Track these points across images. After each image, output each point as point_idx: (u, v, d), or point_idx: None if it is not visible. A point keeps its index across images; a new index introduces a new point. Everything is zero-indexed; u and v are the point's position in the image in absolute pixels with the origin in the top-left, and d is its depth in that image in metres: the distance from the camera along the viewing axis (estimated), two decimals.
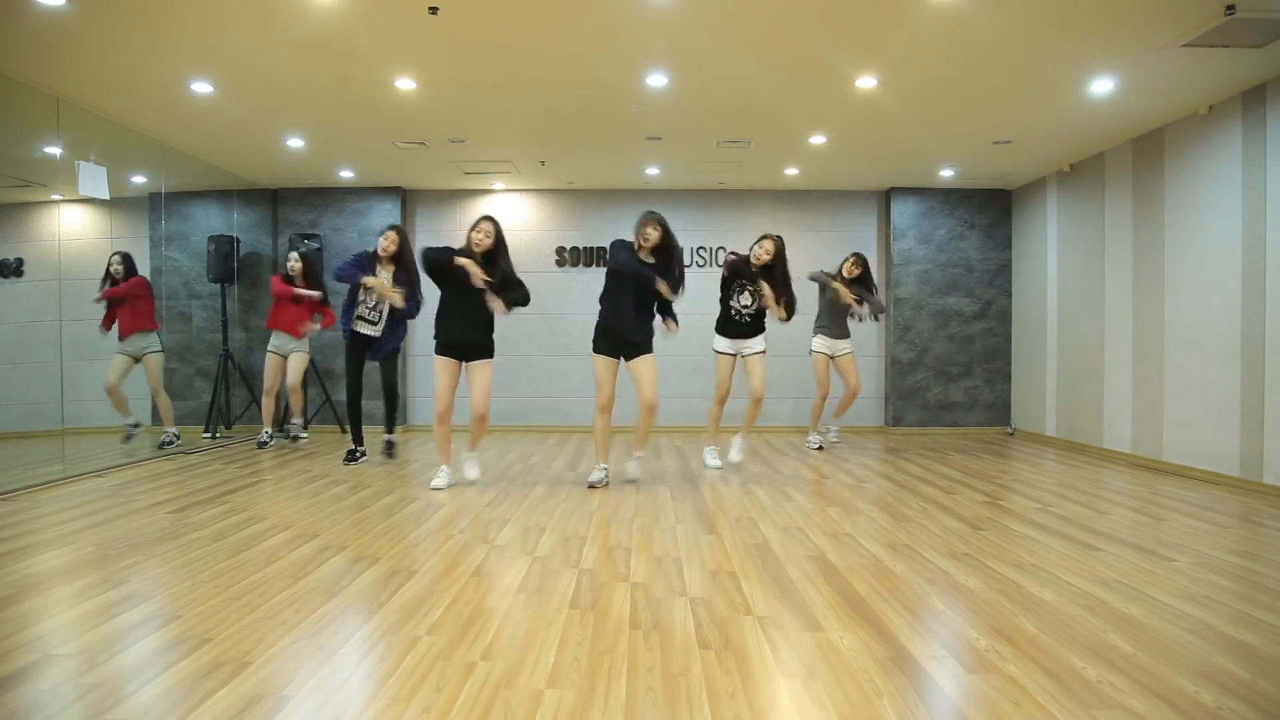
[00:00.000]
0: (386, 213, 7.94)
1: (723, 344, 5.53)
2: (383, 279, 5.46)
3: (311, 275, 6.71)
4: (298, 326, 6.63)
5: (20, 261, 6.74)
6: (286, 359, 6.68)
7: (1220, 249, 5.15)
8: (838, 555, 3.28)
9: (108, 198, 5.64)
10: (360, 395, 5.73)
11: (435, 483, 4.77)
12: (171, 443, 6.48)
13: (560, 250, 8.10)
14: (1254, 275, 4.87)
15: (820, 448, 6.62)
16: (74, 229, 6.91)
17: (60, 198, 6.62)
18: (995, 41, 4.24)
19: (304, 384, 7.57)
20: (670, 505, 4.33)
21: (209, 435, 7.07)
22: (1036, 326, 7.52)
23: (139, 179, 6.93)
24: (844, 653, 2.24)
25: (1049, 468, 5.81)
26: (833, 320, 6.53)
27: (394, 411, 5.92)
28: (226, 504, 4.27)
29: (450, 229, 8.03)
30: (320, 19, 3.99)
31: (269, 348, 6.69)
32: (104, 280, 6.27)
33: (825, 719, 1.86)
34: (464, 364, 4.76)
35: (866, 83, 4.87)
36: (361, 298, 5.54)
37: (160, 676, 2.05)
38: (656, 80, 4.88)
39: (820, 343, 6.55)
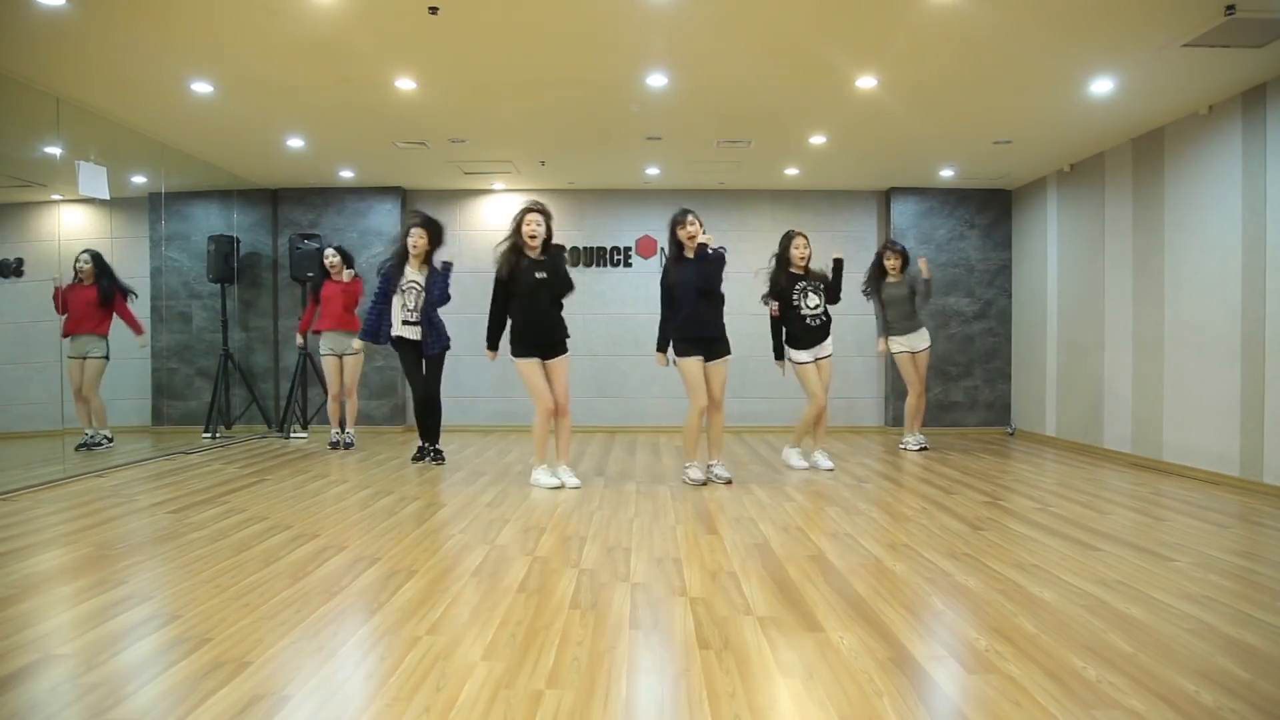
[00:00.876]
0: (386, 213, 7.95)
1: (803, 355, 5.47)
2: (415, 277, 5.53)
3: (350, 264, 6.71)
4: (346, 318, 6.54)
5: (20, 261, 6.74)
6: (341, 359, 6.58)
7: (1220, 249, 5.14)
8: (838, 555, 3.28)
9: (108, 198, 5.64)
10: (427, 398, 5.66)
11: (545, 480, 4.82)
12: (99, 444, 6.18)
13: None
14: (1254, 275, 4.87)
15: (924, 448, 6.57)
16: (74, 229, 6.91)
17: (60, 198, 6.63)
18: (995, 41, 4.24)
19: (303, 384, 7.58)
20: (670, 505, 4.33)
21: (209, 435, 7.08)
22: (1036, 326, 7.52)
23: (139, 179, 6.93)
24: (844, 653, 2.24)
25: (1049, 468, 5.81)
26: (902, 316, 6.51)
27: (435, 424, 5.74)
28: (226, 504, 4.27)
29: (450, 229, 8.00)
30: (320, 19, 3.99)
31: (323, 351, 6.57)
32: (75, 279, 6.11)
33: (825, 719, 1.86)
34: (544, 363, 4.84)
35: (866, 83, 4.87)
36: (399, 303, 5.55)
37: (160, 676, 2.05)
38: (656, 80, 4.88)
39: (898, 343, 6.56)
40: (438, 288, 5.52)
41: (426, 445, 5.80)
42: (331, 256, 6.60)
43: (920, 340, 6.53)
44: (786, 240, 5.52)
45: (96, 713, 1.85)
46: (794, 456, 5.66)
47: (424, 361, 5.59)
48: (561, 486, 4.79)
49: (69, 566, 3.08)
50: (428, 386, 5.62)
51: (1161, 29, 4.04)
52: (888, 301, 6.53)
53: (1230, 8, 3.72)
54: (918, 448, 6.56)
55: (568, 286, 4.86)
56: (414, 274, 5.52)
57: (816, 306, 5.42)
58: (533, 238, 4.73)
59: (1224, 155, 5.13)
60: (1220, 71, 4.61)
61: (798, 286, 5.40)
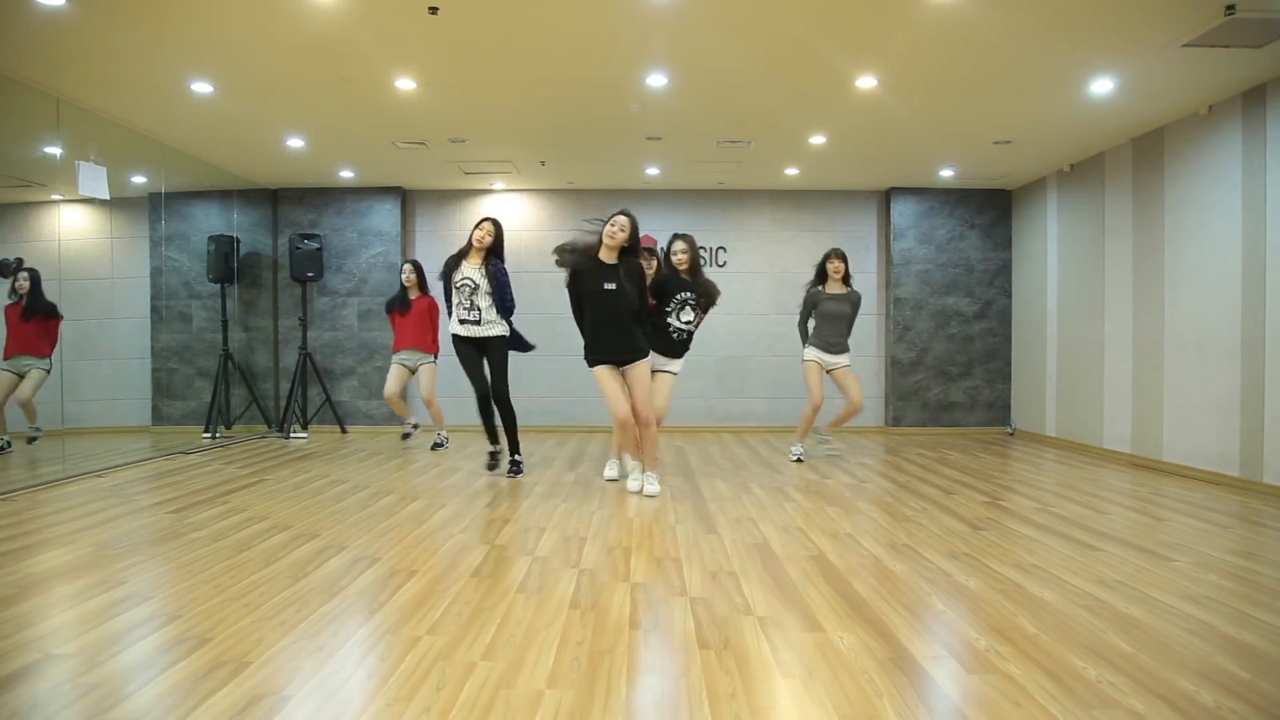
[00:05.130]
0: (387, 213, 7.95)
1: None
2: (470, 273, 5.14)
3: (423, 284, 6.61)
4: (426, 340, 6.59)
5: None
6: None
7: (1220, 249, 5.15)
8: (838, 555, 3.28)
9: (108, 198, 5.64)
10: (488, 396, 5.17)
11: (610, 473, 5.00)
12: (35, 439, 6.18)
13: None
14: (1254, 275, 4.87)
15: (800, 460, 6.00)
16: (74, 229, 6.91)
17: (60, 198, 6.62)
18: (995, 41, 4.24)
19: (303, 384, 7.59)
20: (670, 505, 4.33)
21: (209, 435, 7.07)
22: (1036, 326, 7.52)
23: (139, 179, 6.93)
24: (844, 653, 2.24)
25: (1049, 468, 5.81)
26: (831, 331, 5.86)
27: (511, 425, 5.29)
28: (226, 504, 4.27)
29: (450, 229, 8.03)
30: (320, 19, 3.99)
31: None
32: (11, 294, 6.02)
33: (825, 719, 1.86)
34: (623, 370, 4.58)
35: (866, 83, 4.87)
36: (456, 300, 5.18)
37: (160, 676, 2.05)
38: (656, 80, 4.88)
39: (812, 353, 5.91)
40: (502, 300, 5.20)
41: (498, 449, 5.43)
42: (409, 274, 6.53)
43: (838, 360, 5.91)
44: (671, 245, 5.00)
45: (96, 713, 1.85)
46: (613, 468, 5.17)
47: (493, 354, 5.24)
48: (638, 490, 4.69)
49: (69, 566, 3.08)
50: (494, 382, 5.17)
51: (1161, 29, 4.04)
52: (825, 319, 5.84)
53: (1230, 8, 3.72)
54: (796, 458, 6.02)
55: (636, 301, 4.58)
56: (471, 270, 5.14)
57: (689, 323, 4.88)
58: (479, 243, 4.63)
59: (1224, 155, 5.13)
60: (1220, 71, 4.61)
61: (677, 297, 4.84)
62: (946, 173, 7.34)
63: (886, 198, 8.09)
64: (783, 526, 3.81)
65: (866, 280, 8.13)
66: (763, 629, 2.42)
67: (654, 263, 5.19)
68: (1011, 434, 7.86)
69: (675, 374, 4.98)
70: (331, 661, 2.16)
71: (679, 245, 4.92)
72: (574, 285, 4.56)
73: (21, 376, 6.08)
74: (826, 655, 2.22)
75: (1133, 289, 6.07)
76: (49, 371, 6.14)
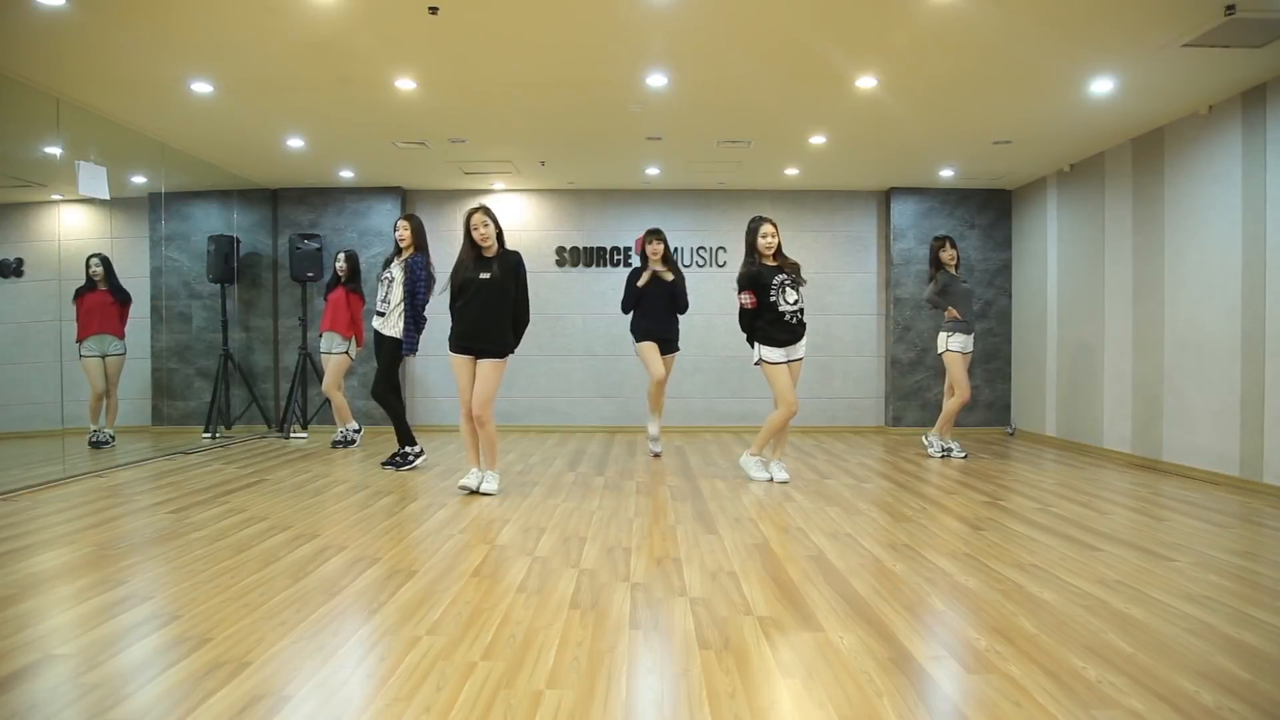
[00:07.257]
0: (387, 213, 7.95)
1: (776, 354, 4.93)
2: (393, 268, 5.42)
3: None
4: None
5: (20, 261, 6.74)
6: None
7: (1220, 249, 5.15)
8: (838, 555, 3.28)
9: (108, 198, 5.64)
10: (395, 393, 5.51)
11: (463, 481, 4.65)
12: (108, 442, 6.45)
13: (560, 250, 8.10)
14: (1254, 275, 4.87)
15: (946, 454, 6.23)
16: (74, 229, 6.91)
17: (60, 198, 6.63)
18: (995, 41, 4.24)
19: (303, 384, 7.59)
20: (670, 505, 4.33)
21: (209, 435, 7.07)
22: (1036, 326, 7.52)
23: (139, 179, 6.93)
24: (844, 653, 2.24)
25: (1049, 468, 5.81)
26: (968, 312, 6.11)
27: (394, 420, 5.51)
28: (226, 504, 4.27)
29: (450, 229, 8.02)
30: (320, 19, 3.98)
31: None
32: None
33: (825, 719, 1.86)
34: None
35: (866, 83, 4.87)
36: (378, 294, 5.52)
37: (160, 676, 2.05)
38: (656, 80, 4.88)
39: (962, 343, 6.07)
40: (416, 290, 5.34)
41: (400, 449, 5.58)
42: (341, 262, 6.70)
43: (971, 341, 6.19)
44: (756, 230, 4.98)
45: (96, 713, 1.85)
46: (753, 466, 5.15)
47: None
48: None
49: (69, 566, 3.08)
50: (376, 378, 5.52)
51: (1161, 29, 4.04)
52: (962, 298, 6.10)
53: (1230, 8, 3.72)
54: (942, 453, 6.24)
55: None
56: (395, 265, 5.44)
57: (796, 303, 4.92)
58: (484, 239, 4.46)
59: (1224, 155, 5.13)
60: (1220, 71, 4.61)
61: (778, 279, 4.89)
62: (946, 173, 7.34)
63: (886, 198, 8.09)
64: (783, 526, 3.81)
65: (866, 280, 8.14)
66: (763, 629, 2.42)
67: (660, 247, 5.86)
68: (1011, 434, 7.86)
69: (801, 358, 5.03)
70: (331, 661, 2.16)
71: (768, 228, 4.97)
72: (454, 276, 4.57)
73: (103, 359, 6.43)
74: (826, 655, 2.22)
75: (1133, 289, 6.07)
76: (125, 353, 6.62)
